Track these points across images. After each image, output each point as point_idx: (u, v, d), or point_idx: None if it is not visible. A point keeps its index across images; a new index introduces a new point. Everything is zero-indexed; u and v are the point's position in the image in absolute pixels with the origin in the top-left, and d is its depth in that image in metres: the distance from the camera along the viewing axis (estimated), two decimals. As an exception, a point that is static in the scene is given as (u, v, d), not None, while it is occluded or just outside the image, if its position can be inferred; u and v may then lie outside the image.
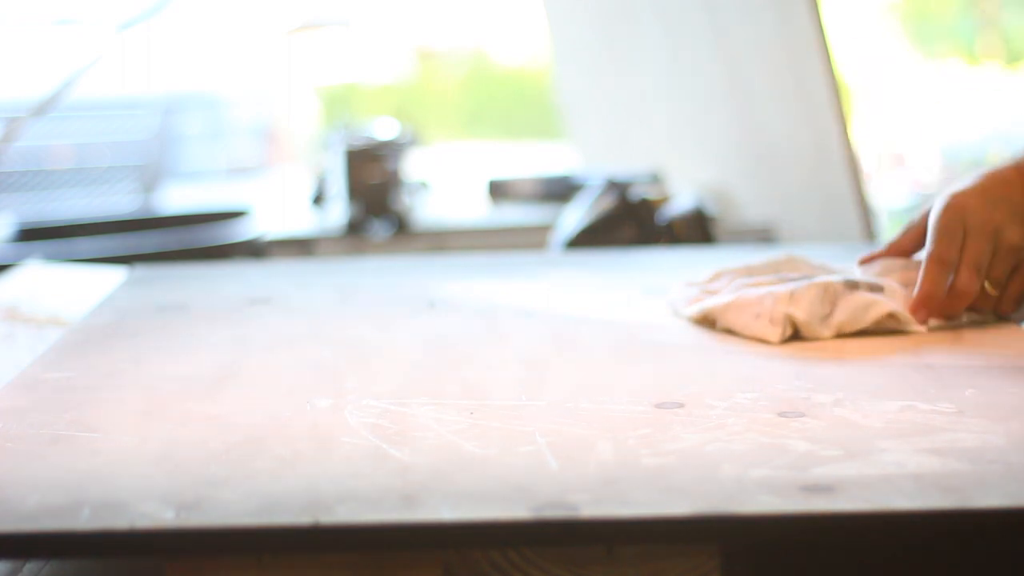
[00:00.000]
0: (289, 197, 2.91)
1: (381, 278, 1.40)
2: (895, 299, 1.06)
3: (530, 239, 2.28)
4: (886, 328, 1.05)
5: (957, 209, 1.04)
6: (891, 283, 1.07)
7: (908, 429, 0.80)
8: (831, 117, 2.15)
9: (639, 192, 1.96)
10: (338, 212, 2.42)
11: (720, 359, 1.00)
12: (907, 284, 1.08)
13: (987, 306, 1.06)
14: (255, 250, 2.16)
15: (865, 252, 1.16)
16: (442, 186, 2.92)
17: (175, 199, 3.15)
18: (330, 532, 0.67)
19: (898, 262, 1.12)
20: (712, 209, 2.00)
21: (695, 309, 1.10)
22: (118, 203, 3.55)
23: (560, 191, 2.55)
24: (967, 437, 0.78)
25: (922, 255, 1.06)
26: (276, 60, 5.71)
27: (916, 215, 1.12)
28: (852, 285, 1.06)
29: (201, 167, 4.83)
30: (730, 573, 0.70)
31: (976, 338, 1.04)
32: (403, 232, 2.35)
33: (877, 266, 1.13)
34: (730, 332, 1.07)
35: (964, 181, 1.06)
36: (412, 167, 2.60)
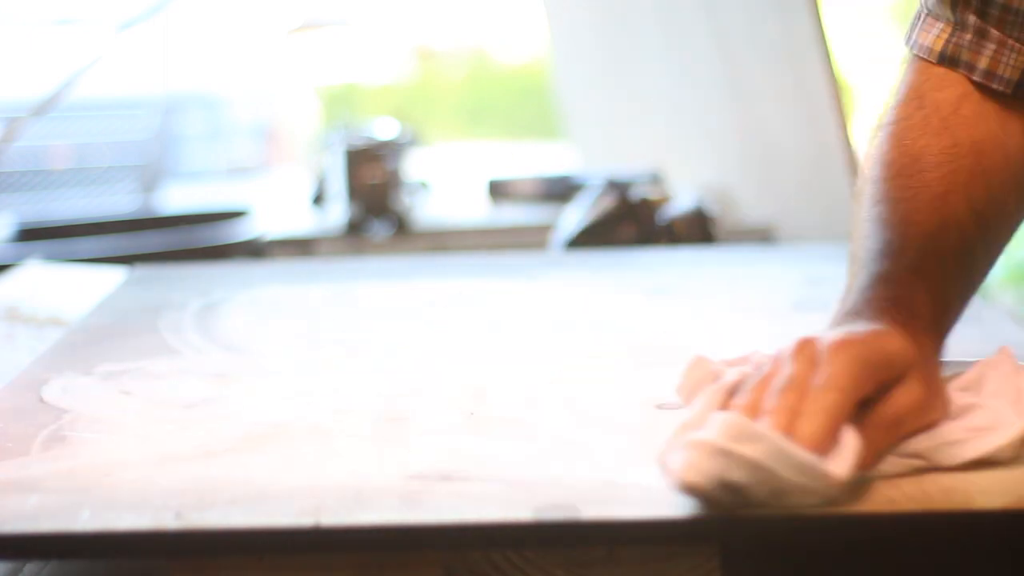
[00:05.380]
0: (289, 197, 2.90)
1: (381, 278, 1.40)
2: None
3: (530, 239, 2.27)
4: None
5: None
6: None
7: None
8: (831, 117, 2.14)
9: (639, 192, 1.96)
10: (338, 212, 2.42)
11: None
12: None
13: None
14: (255, 250, 2.15)
15: None
16: (442, 186, 2.91)
17: (175, 199, 3.14)
18: (330, 533, 0.67)
19: None
20: (712, 209, 2.00)
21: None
22: (118, 203, 3.54)
23: (560, 191, 2.54)
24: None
25: None
26: (276, 60, 5.71)
27: None
28: None
29: (201, 167, 4.83)
30: (730, 574, 0.70)
31: (976, 338, 1.04)
32: (403, 232, 2.35)
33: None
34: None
35: None
36: (412, 167, 2.60)
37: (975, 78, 0.91)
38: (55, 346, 1.10)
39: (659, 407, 0.86)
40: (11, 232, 2.31)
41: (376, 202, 2.37)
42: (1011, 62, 0.91)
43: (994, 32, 0.90)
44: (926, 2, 0.94)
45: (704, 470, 0.66)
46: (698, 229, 1.93)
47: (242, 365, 1.01)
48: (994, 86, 0.91)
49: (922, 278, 0.83)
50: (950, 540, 0.71)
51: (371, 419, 0.85)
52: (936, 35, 0.93)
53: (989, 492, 0.69)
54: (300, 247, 2.36)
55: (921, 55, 0.93)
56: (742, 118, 2.40)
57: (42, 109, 2.07)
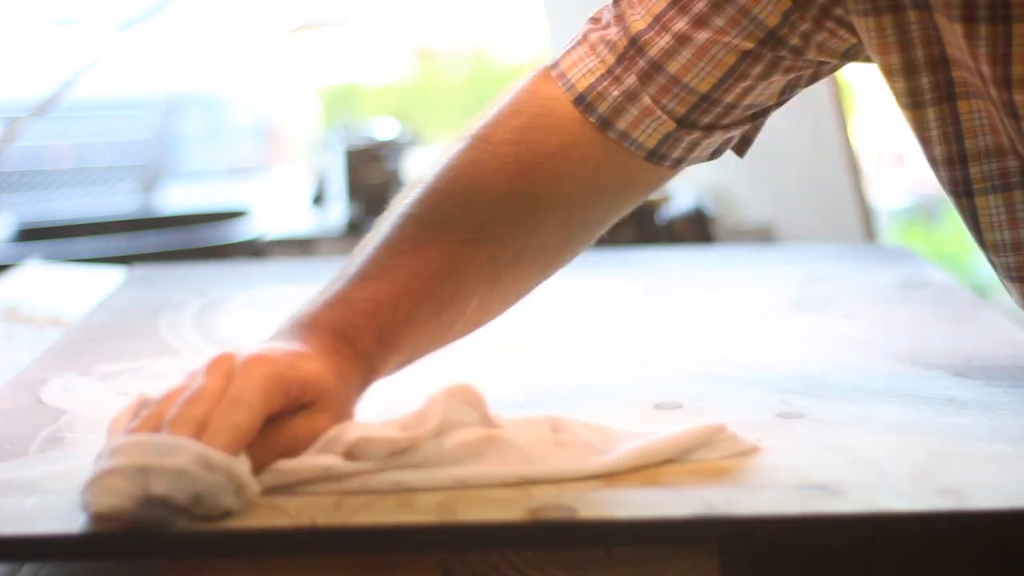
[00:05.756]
0: (289, 197, 2.90)
1: (381, 278, 1.39)
2: None
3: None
4: None
5: None
6: None
7: (907, 430, 0.80)
8: (831, 117, 2.14)
9: (639, 192, 1.95)
10: (338, 212, 2.42)
11: (719, 359, 1.00)
12: None
13: None
14: (255, 250, 2.15)
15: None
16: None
17: (175, 199, 3.14)
18: (328, 533, 0.66)
19: None
20: (712, 209, 2.00)
21: None
22: (118, 203, 3.54)
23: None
24: (966, 437, 0.78)
25: None
26: (276, 60, 5.70)
27: None
28: None
29: (201, 167, 4.83)
30: (730, 574, 0.70)
31: (976, 338, 1.04)
32: (403, 232, 2.35)
33: None
34: None
35: None
36: (412, 167, 2.60)
37: (610, 135, 0.88)
38: (54, 346, 1.10)
39: (658, 407, 0.86)
40: (11, 232, 2.31)
41: (376, 202, 2.37)
42: (651, 130, 0.88)
43: (645, 98, 0.88)
44: (588, 33, 0.90)
45: (124, 491, 0.66)
46: (698, 229, 1.93)
47: (241, 365, 1.01)
48: (627, 146, 0.88)
49: (380, 318, 0.81)
50: (949, 540, 0.71)
51: (370, 418, 0.85)
52: (585, 72, 0.89)
53: (988, 492, 0.69)
54: (300, 247, 2.36)
55: (561, 83, 0.89)
56: (742, 118, 2.39)
57: (42, 109, 2.07)
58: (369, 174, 2.37)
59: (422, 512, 0.68)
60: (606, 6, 0.90)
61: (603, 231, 0.93)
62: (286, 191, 3.09)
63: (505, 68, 7.94)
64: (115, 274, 1.48)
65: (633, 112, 0.88)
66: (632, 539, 0.68)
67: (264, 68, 5.70)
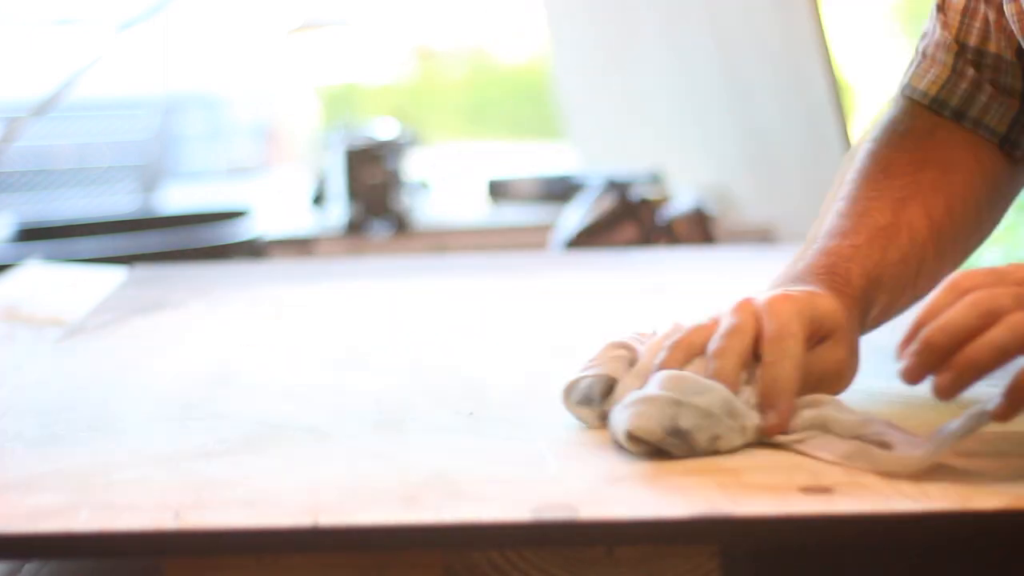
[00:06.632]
0: (289, 197, 2.91)
1: (381, 278, 1.40)
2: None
3: (530, 239, 2.28)
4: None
5: None
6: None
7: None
8: (831, 116, 2.14)
9: (639, 192, 1.96)
10: (338, 212, 2.42)
11: (720, 359, 1.00)
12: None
13: None
14: (255, 250, 2.16)
15: None
16: (442, 186, 2.92)
17: (175, 199, 3.15)
18: (330, 533, 0.67)
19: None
20: (712, 209, 2.00)
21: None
22: (118, 203, 3.54)
23: (560, 191, 2.55)
24: (967, 437, 0.78)
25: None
26: (276, 60, 5.71)
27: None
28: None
29: (201, 167, 4.84)
30: (730, 574, 0.70)
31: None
32: (403, 232, 2.35)
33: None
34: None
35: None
36: (412, 167, 2.60)
37: (966, 125, 0.97)
38: (55, 346, 1.10)
39: (659, 407, 0.86)
40: (11, 232, 2.31)
41: (376, 202, 2.37)
42: (999, 115, 0.97)
43: (988, 87, 0.97)
44: (924, 50, 0.99)
45: (656, 418, 0.73)
46: (698, 229, 1.93)
47: (242, 365, 1.01)
48: (981, 134, 0.97)
49: (861, 257, 0.89)
50: (950, 540, 0.71)
51: (371, 418, 0.85)
52: (931, 80, 0.99)
53: (989, 492, 0.69)
54: (300, 247, 2.36)
55: (913, 96, 0.99)
56: (742, 118, 2.40)
57: (42, 109, 2.07)
58: (369, 174, 2.37)
59: (424, 511, 0.68)
60: (929, 18, 0.99)
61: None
62: (286, 191, 3.09)
63: (505, 68, 7.94)
64: (115, 274, 1.48)
65: (981, 99, 0.97)
66: (632, 539, 0.68)
67: (264, 68, 5.71)
